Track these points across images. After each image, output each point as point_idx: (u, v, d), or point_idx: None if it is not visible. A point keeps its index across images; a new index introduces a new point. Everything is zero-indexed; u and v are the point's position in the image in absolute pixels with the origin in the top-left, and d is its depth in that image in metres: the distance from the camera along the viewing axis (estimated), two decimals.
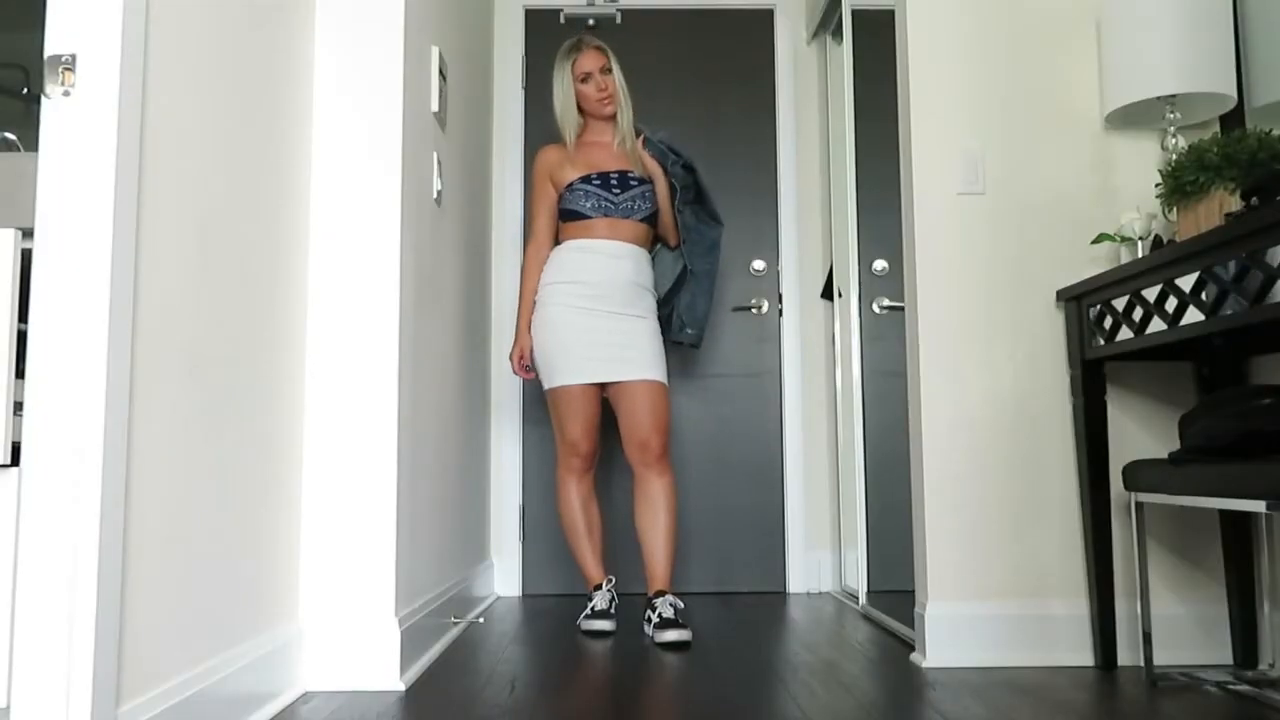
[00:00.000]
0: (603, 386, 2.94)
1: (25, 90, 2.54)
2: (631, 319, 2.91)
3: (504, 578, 3.74)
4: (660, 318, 3.03)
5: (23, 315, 1.45)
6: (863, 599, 3.22)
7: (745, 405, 3.81)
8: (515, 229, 3.86)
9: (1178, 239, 2.25)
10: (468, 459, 3.23)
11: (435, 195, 2.66)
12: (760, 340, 3.83)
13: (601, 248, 2.91)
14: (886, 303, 3.43)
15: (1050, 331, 2.48)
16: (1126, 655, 2.37)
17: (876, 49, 3.19)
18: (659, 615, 2.73)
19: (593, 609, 2.91)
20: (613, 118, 3.01)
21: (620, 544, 3.65)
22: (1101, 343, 2.32)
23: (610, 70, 2.99)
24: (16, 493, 1.34)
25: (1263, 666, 2.33)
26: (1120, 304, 2.23)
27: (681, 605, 2.82)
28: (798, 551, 3.75)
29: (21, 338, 1.41)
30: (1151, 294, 2.11)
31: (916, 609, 2.48)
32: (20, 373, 1.39)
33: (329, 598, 2.18)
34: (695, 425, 3.79)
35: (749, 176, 3.89)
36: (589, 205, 2.92)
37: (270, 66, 1.99)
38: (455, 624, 2.86)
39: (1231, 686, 2.15)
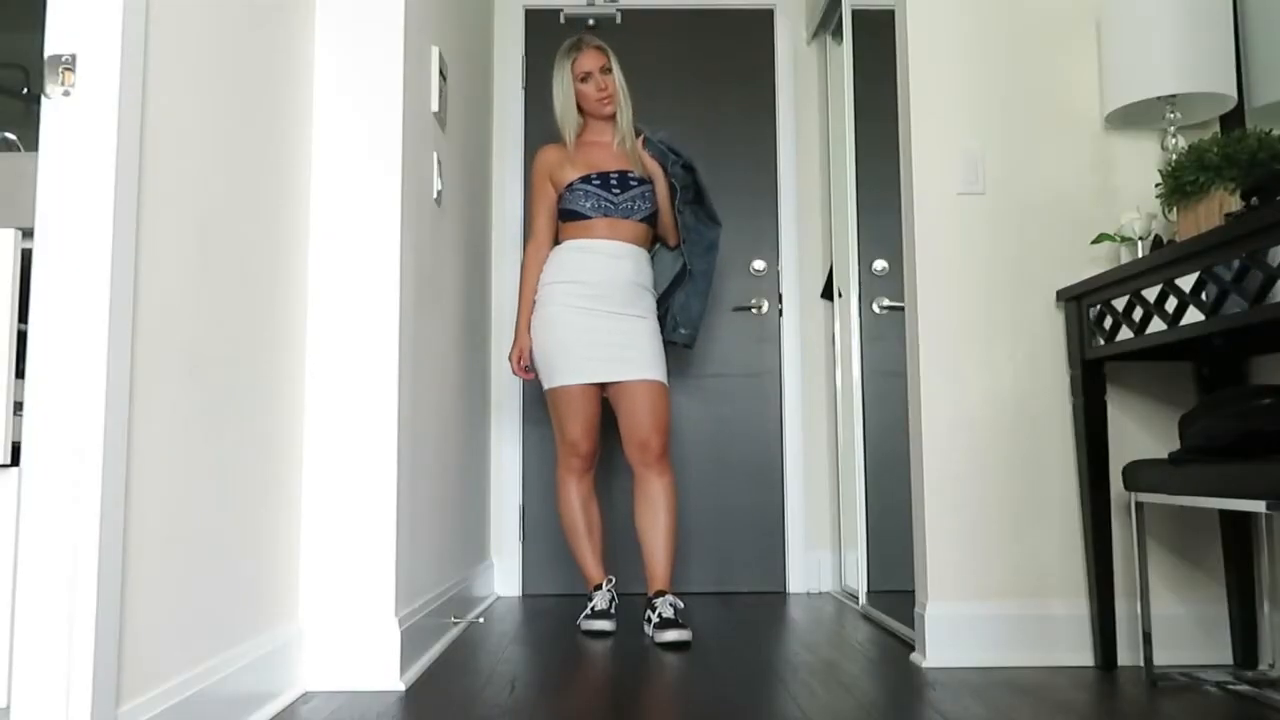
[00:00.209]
0: (603, 386, 2.94)
1: (25, 90, 2.54)
2: (631, 319, 2.91)
3: (504, 578, 3.74)
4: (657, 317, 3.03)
5: (23, 315, 1.45)
6: (863, 599, 3.22)
7: (745, 405, 3.81)
8: (515, 229, 3.86)
9: (1178, 239, 2.25)
10: (468, 459, 3.23)
11: (435, 195, 2.66)
12: (760, 340, 3.83)
13: (601, 248, 2.91)
14: (886, 303, 3.43)
15: (1050, 331, 2.48)
16: (1126, 655, 2.37)
17: (876, 49, 3.19)
18: (659, 615, 2.73)
19: (593, 609, 2.91)
20: (612, 117, 3.01)
21: (620, 544, 3.65)
22: (1101, 343, 2.32)
23: (610, 70, 2.99)
24: (16, 493, 1.34)
25: (1263, 666, 2.33)
26: (1120, 304, 2.23)
27: (681, 605, 2.82)
28: (798, 551, 3.75)
29: (21, 338, 1.41)
30: (1151, 294, 2.11)
31: (916, 609, 2.48)
32: (20, 373, 1.39)
33: (329, 598, 2.18)
34: (695, 425, 3.79)
35: (749, 176, 3.89)
36: (589, 205, 2.92)
37: (270, 66, 1.99)
38: (455, 624, 2.86)
39: (1231, 686, 2.15)
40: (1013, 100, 2.53)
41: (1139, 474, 2.19)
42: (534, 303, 2.98)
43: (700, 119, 3.90)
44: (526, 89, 3.91)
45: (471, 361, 3.32)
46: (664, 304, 3.06)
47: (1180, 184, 2.17)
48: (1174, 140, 2.35)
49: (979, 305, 2.48)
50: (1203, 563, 2.44)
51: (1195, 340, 2.12)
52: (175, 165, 1.56)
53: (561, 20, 3.93)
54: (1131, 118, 2.47)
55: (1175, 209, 2.25)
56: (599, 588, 2.96)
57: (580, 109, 3.02)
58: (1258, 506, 1.78)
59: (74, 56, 1.35)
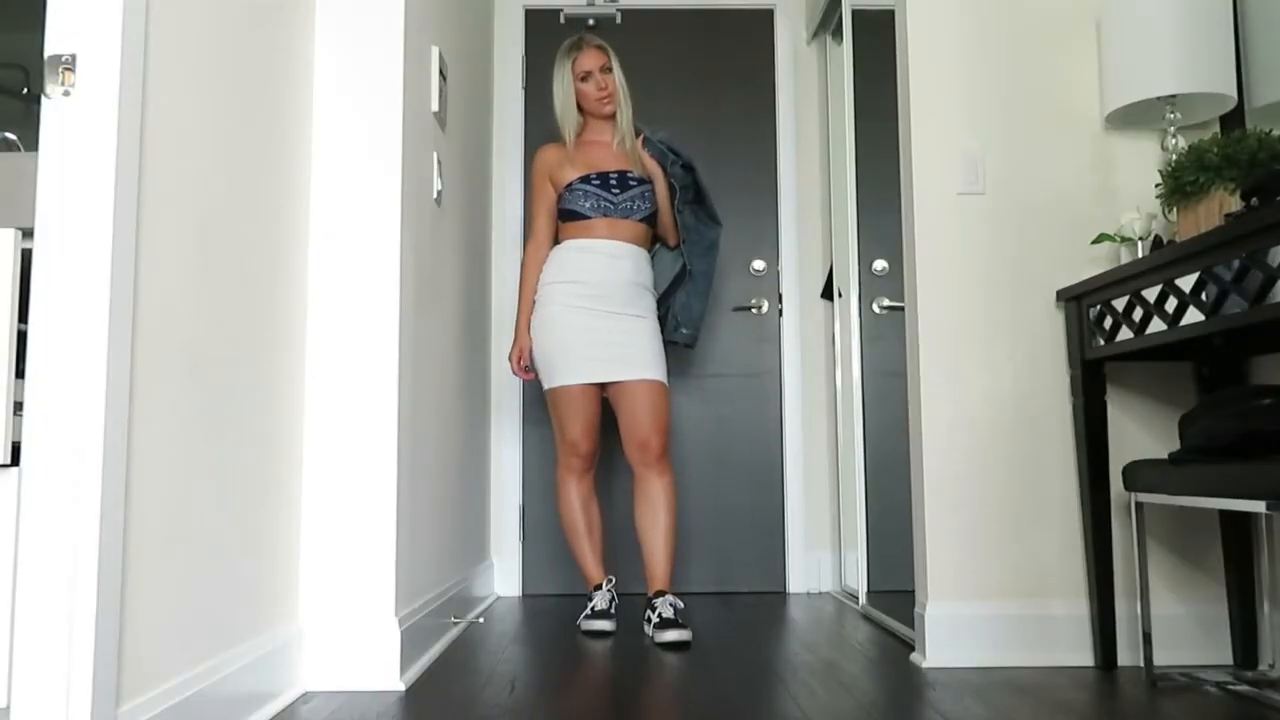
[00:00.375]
0: (603, 386, 2.94)
1: (25, 90, 2.54)
2: (632, 318, 2.91)
3: (504, 578, 3.74)
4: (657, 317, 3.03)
5: (23, 315, 1.45)
6: (863, 599, 3.22)
7: (745, 405, 3.81)
8: (515, 229, 3.86)
9: (1178, 239, 2.25)
10: (468, 459, 3.23)
11: (435, 195, 2.66)
12: (760, 340, 3.83)
13: (601, 247, 2.91)
14: (886, 303, 3.43)
15: (1050, 331, 2.48)
16: (1126, 655, 2.37)
17: (876, 49, 3.19)
18: (659, 615, 2.73)
19: (593, 609, 2.91)
20: (612, 117, 3.01)
21: (620, 544, 3.65)
22: (1101, 343, 2.32)
23: (610, 69, 2.99)
24: (16, 493, 1.34)
25: (1263, 667, 2.33)
26: (1120, 304, 2.23)
27: (681, 605, 2.82)
28: (798, 551, 3.75)
29: (21, 338, 1.41)
30: (1151, 294, 2.11)
31: (916, 609, 2.48)
32: (20, 373, 1.39)
33: (329, 598, 2.18)
34: (695, 425, 3.79)
35: (749, 176, 3.89)
36: (588, 205, 2.92)
37: (270, 66, 1.99)
38: (455, 624, 2.86)
39: (1231, 686, 2.15)
40: (1013, 100, 2.53)
41: (1139, 474, 2.19)
42: (534, 303, 2.98)
43: (700, 119, 3.90)
44: (526, 89, 3.91)
45: (471, 361, 3.32)
46: (665, 304, 3.06)
47: (1180, 184, 2.17)
48: (1174, 140, 2.35)
49: (979, 305, 2.48)
50: (1203, 563, 2.44)
51: (1195, 340, 2.12)
52: (175, 165, 1.56)
53: (561, 20, 3.93)
54: (1131, 118, 2.47)
55: (1175, 209, 2.25)
56: (599, 588, 2.96)
57: (580, 108, 3.02)
58: (1258, 506, 1.78)
59: (74, 56, 1.35)
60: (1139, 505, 2.22)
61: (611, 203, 2.93)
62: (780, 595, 3.67)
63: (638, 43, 3.90)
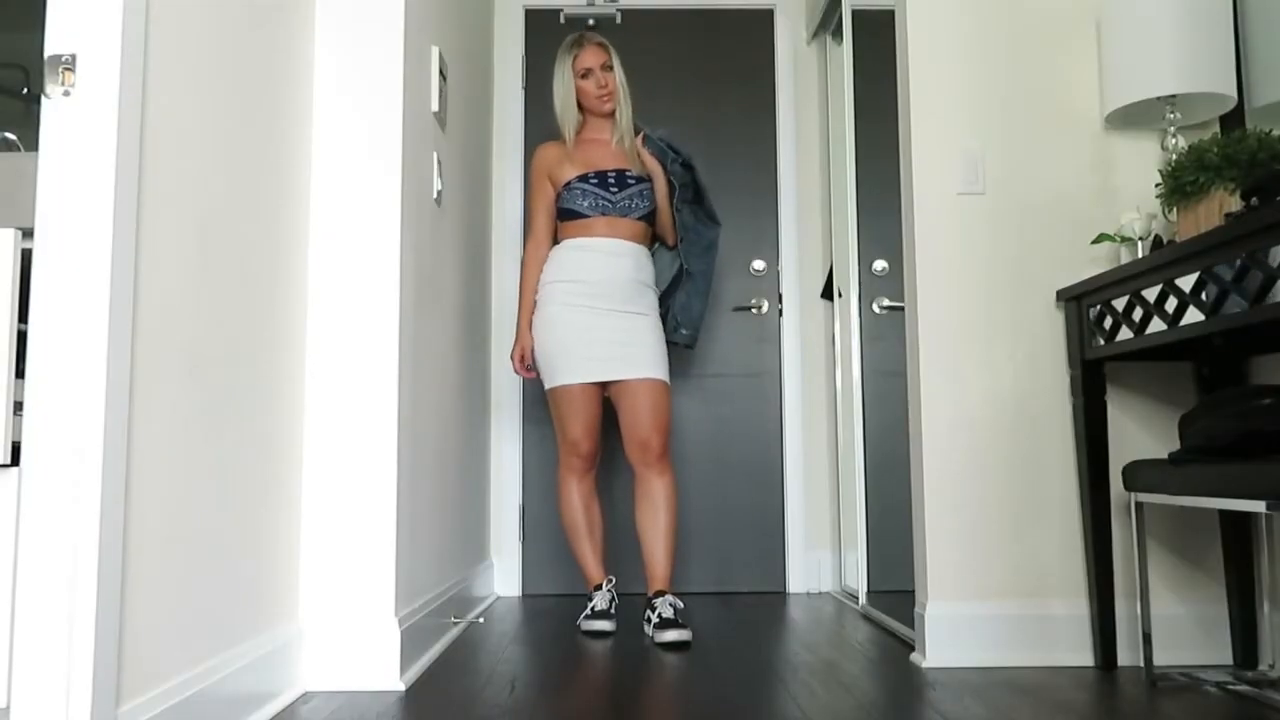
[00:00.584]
0: (604, 385, 2.94)
1: (25, 90, 2.54)
2: (633, 316, 2.90)
3: (504, 578, 3.74)
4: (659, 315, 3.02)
5: (23, 315, 1.45)
6: (863, 599, 3.22)
7: (745, 405, 3.81)
8: (515, 229, 3.86)
9: (1178, 239, 2.25)
10: (468, 459, 3.23)
11: (435, 195, 2.66)
12: (760, 340, 3.83)
13: (600, 246, 2.91)
14: (886, 303, 3.43)
15: (1050, 331, 2.48)
16: (1126, 655, 2.37)
17: (876, 49, 3.19)
18: (659, 615, 2.73)
19: (593, 609, 2.91)
20: (612, 115, 3.01)
21: (621, 544, 3.65)
22: (1101, 343, 2.32)
23: (611, 67, 2.99)
24: (16, 493, 1.34)
25: (1263, 667, 2.33)
26: (1120, 304, 2.23)
27: (681, 605, 2.82)
28: (798, 551, 3.75)
29: (21, 338, 1.41)
30: (1151, 294, 2.11)
31: (916, 609, 2.48)
32: (20, 373, 1.39)
33: (329, 598, 2.18)
34: (695, 425, 3.79)
35: (749, 176, 3.89)
36: (586, 204, 2.92)
37: (270, 66, 1.99)
38: (455, 624, 2.86)
39: (1231, 686, 2.15)
40: (1013, 100, 2.53)
41: (1139, 474, 2.19)
42: (535, 302, 2.98)
43: (700, 119, 3.90)
44: (526, 89, 3.91)
45: (471, 361, 3.32)
46: (665, 304, 3.06)
47: (1180, 184, 2.17)
48: (1174, 140, 2.35)
49: (979, 305, 2.48)
50: (1203, 563, 2.44)
51: (1195, 340, 2.12)
52: (175, 165, 1.56)
53: (561, 20, 3.93)
54: (1131, 118, 2.47)
55: (1175, 209, 2.25)
56: (599, 588, 2.96)
57: (580, 106, 3.02)
58: (1258, 506, 1.78)
59: (74, 56, 1.35)
60: (1139, 505, 2.22)
61: (610, 201, 2.93)
62: (780, 595, 3.67)
63: (638, 43, 3.90)
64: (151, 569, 1.48)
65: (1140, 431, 2.46)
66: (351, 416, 2.21)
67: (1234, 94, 2.32)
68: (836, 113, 3.68)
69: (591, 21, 3.93)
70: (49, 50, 1.35)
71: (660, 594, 2.82)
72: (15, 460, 1.36)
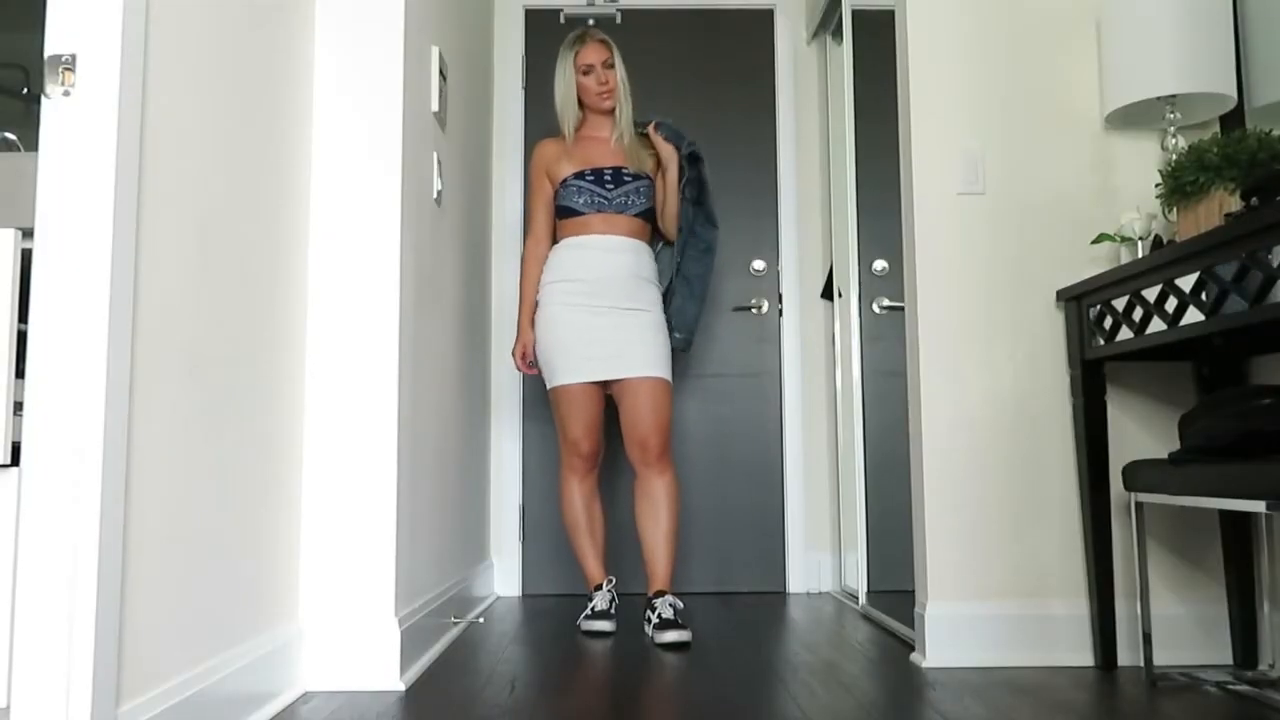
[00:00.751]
0: (606, 385, 2.94)
1: (25, 90, 2.54)
2: (633, 313, 2.90)
3: (504, 578, 3.74)
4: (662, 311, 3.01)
5: (23, 315, 1.45)
6: (863, 599, 3.22)
7: (745, 405, 3.81)
8: (515, 229, 3.86)
9: (1178, 239, 2.25)
10: (468, 459, 3.23)
11: (435, 195, 2.66)
12: (760, 340, 3.83)
13: (597, 243, 2.91)
14: (886, 303, 3.43)
15: (1050, 331, 2.48)
16: (1126, 655, 2.37)
17: (876, 49, 3.19)
18: (658, 616, 2.73)
19: (593, 609, 2.91)
20: (611, 112, 3.01)
21: (621, 543, 3.65)
22: (1101, 343, 2.32)
23: (613, 65, 2.99)
24: (16, 493, 1.34)
25: (1263, 666, 2.33)
26: (1120, 304, 2.23)
27: (681, 606, 2.82)
28: (798, 552, 3.75)
29: (21, 338, 1.41)
30: (1151, 294, 2.11)
31: (916, 609, 2.48)
32: (20, 373, 1.39)
33: (329, 598, 2.18)
34: (695, 425, 3.79)
35: (749, 176, 3.89)
36: (582, 201, 2.93)
37: (270, 66, 1.99)
38: (455, 624, 2.86)
39: (1231, 686, 2.15)
40: (1013, 100, 2.53)
41: (1139, 474, 2.19)
42: (536, 301, 2.98)
43: (700, 119, 3.89)
44: (526, 89, 3.91)
45: (471, 361, 3.32)
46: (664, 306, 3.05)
47: (1180, 184, 2.17)
48: (1174, 140, 2.35)
49: (979, 305, 2.48)
50: (1203, 563, 2.44)
51: (1195, 340, 2.12)
52: (175, 165, 1.56)
53: (561, 20, 3.93)
54: (1131, 118, 2.47)
55: (1175, 209, 2.25)
56: (599, 588, 2.96)
57: (581, 103, 3.02)
58: (1258, 506, 1.78)
59: (74, 56, 1.35)
60: (1139, 505, 2.22)
61: (605, 198, 2.93)
62: (780, 595, 3.67)
63: (638, 43, 3.90)
64: (151, 569, 1.48)
65: (1140, 431, 2.46)
66: (351, 416, 2.21)
67: (1234, 94, 2.32)
68: (836, 113, 3.68)
69: (591, 21, 3.93)
70: (49, 50, 1.35)
71: (660, 594, 2.82)
72: (15, 460, 1.36)
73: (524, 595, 3.73)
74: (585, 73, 2.98)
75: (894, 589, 3.21)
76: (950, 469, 2.44)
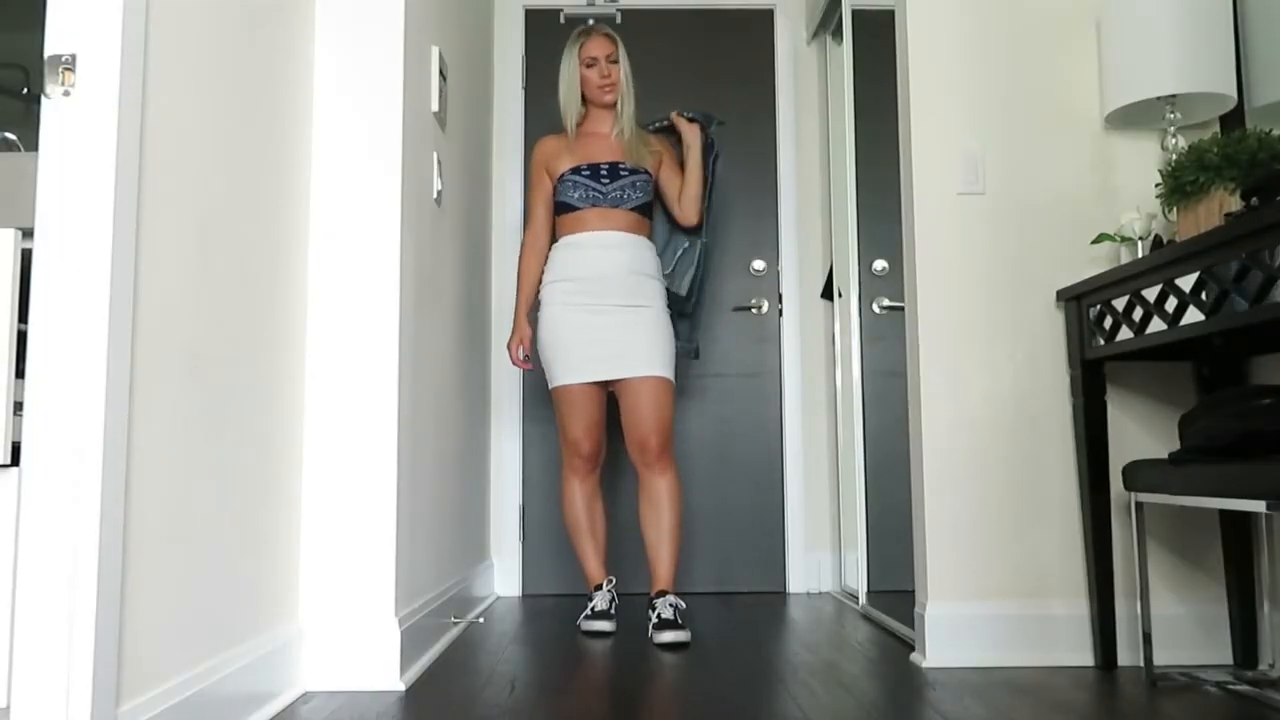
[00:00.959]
0: (608, 384, 2.94)
1: (25, 90, 2.54)
2: (634, 310, 2.89)
3: (504, 578, 3.74)
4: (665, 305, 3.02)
5: (23, 315, 1.45)
6: (863, 599, 3.22)
7: (745, 405, 3.81)
8: (515, 229, 3.86)
9: (1178, 239, 2.25)
10: (468, 459, 3.23)
11: (435, 195, 2.66)
12: (760, 340, 3.83)
13: (593, 240, 2.91)
14: (886, 303, 3.43)
15: (1050, 331, 2.48)
16: (1126, 655, 2.37)
17: (876, 49, 3.19)
18: (658, 616, 2.73)
19: (593, 609, 2.91)
20: (612, 106, 3.01)
21: (622, 543, 3.64)
22: (1101, 343, 2.32)
23: (617, 60, 2.99)
24: (16, 493, 1.34)
25: (1263, 666, 2.33)
26: (1120, 304, 2.23)
27: (683, 606, 2.82)
28: (798, 551, 3.75)
29: (21, 338, 1.41)
30: (1151, 294, 2.11)
31: (916, 609, 2.48)
32: (20, 373, 1.39)
33: (329, 598, 2.18)
34: (695, 425, 3.79)
35: (749, 176, 3.89)
36: (577, 196, 2.93)
37: (270, 66, 1.99)
38: (455, 624, 2.86)
39: (1231, 686, 2.15)
40: (1013, 100, 2.53)
41: (1139, 474, 2.19)
42: (538, 300, 2.99)
43: None
44: (526, 89, 3.90)
45: (471, 361, 3.32)
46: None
47: (1180, 184, 2.17)
48: (1174, 140, 2.35)
49: (979, 305, 2.48)
50: (1203, 563, 2.44)
51: (1195, 340, 2.12)
52: (175, 165, 1.56)
53: (562, 20, 3.93)
54: (1131, 118, 2.47)
55: (1175, 209, 2.25)
56: (599, 588, 2.96)
57: (584, 98, 3.02)
58: (1258, 506, 1.78)
59: (74, 56, 1.35)
60: (1139, 505, 2.22)
61: (600, 192, 2.93)
62: (780, 595, 3.67)
63: (638, 43, 3.90)
64: (151, 569, 1.48)
65: (1140, 431, 2.46)
66: (351, 416, 2.21)
67: (1234, 94, 2.32)
68: (836, 113, 3.68)
69: (591, 21, 3.93)
70: (49, 50, 1.35)
71: (662, 594, 2.82)
72: (15, 460, 1.36)
73: (524, 595, 3.73)
74: (589, 65, 2.98)
75: (894, 589, 3.21)
76: (950, 469, 2.44)
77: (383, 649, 2.16)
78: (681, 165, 3.05)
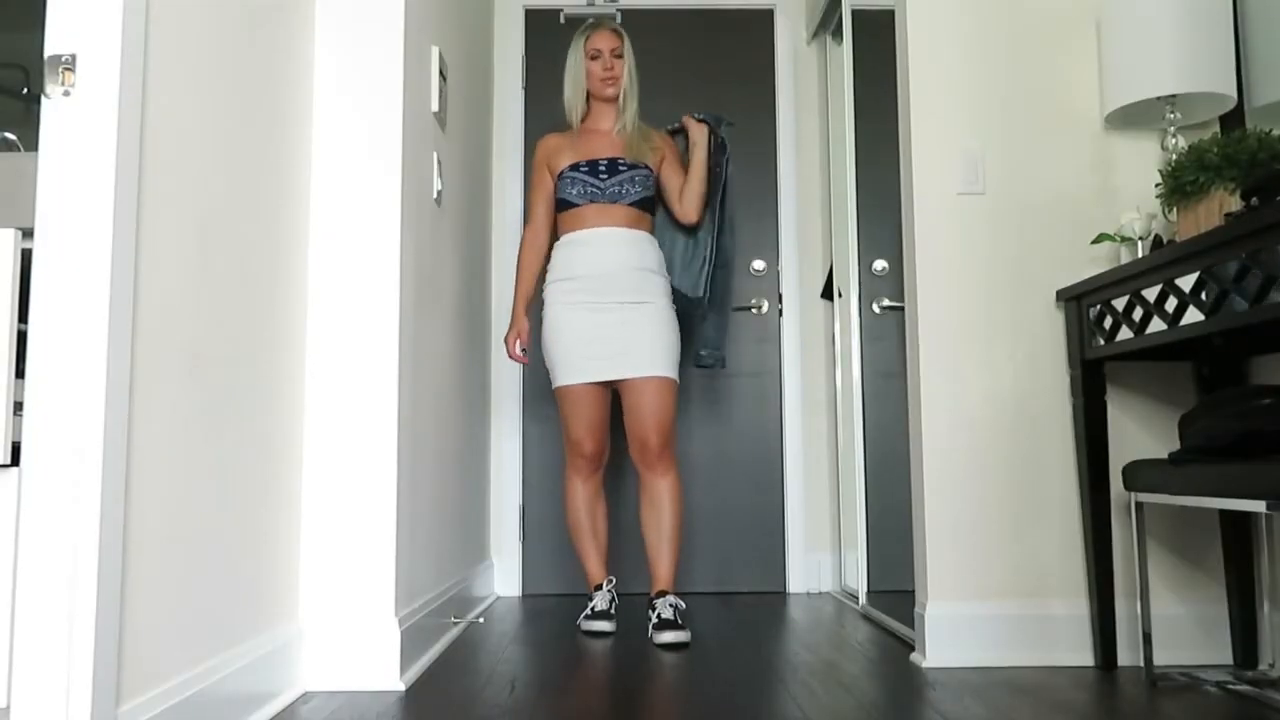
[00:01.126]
0: (612, 383, 2.93)
1: (25, 90, 2.54)
2: (636, 307, 2.88)
3: (504, 578, 3.74)
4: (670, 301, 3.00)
5: (23, 315, 1.45)
6: (863, 599, 3.22)
7: (745, 405, 3.81)
8: (515, 229, 3.86)
9: (1178, 239, 2.25)
10: (468, 459, 3.23)
11: (435, 195, 2.66)
12: (760, 340, 3.83)
13: (592, 237, 2.91)
14: (886, 303, 3.43)
15: (1050, 331, 2.48)
16: (1126, 655, 2.37)
17: (876, 49, 3.19)
18: (658, 616, 2.73)
19: (593, 609, 2.91)
20: (614, 100, 3.01)
21: (623, 543, 3.64)
22: (1101, 343, 2.32)
23: (621, 55, 3.00)
24: (16, 493, 1.34)
25: (1263, 666, 2.33)
26: (1120, 304, 2.23)
27: (683, 606, 2.82)
28: (798, 552, 3.75)
29: (21, 338, 1.41)
30: (1151, 294, 2.11)
31: (916, 609, 2.48)
32: (20, 373, 1.39)
33: (329, 598, 2.18)
34: (695, 425, 3.79)
35: (749, 177, 3.89)
36: (575, 192, 2.93)
37: (270, 66, 1.99)
38: (455, 624, 2.86)
39: (1231, 686, 2.15)
40: (1013, 100, 2.53)
41: (1139, 474, 2.19)
42: (541, 300, 2.99)
43: None
44: (526, 89, 3.90)
45: (471, 361, 3.32)
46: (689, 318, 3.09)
47: (1180, 184, 2.17)
48: (1174, 140, 2.35)
49: (979, 305, 2.48)
50: (1203, 563, 2.44)
51: (1195, 340, 2.12)
52: (175, 165, 1.56)
53: (562, 20, 3.93)
54: (1131, 118, 2.47)
55: (1175, 209, 2.25)
56: (599, 588, 2.96)
57: (588, 94, 3.02)
58: (1258, 506, 1.78)
59: (74, 56, 1.35)
60: (1139, 505, 2.22)
61: (598, 188, 2.92)
62: (780, 595, 3.67)
63: (638, 43, 3.88)
64: (151, 569, 1.48)
65: (1140, 431, 2.46)
66: (351, 416, 2.21)
67: (1234, 94, 2.32)
68: (836, 113, 3.68)
69: (591, 21, 3.93)
70: (49, 50, 1.35)
71: (662, 594, 2.82)
72: (15, 460, 1.36)
73: (524, 595, 3.73)
74: (593, 58, 2.99)
75: (894, 589, 3.21)
76: (950, 469, 2.44)
77: (383, 649, 2.16)
78: (686, 164, 3.05)
